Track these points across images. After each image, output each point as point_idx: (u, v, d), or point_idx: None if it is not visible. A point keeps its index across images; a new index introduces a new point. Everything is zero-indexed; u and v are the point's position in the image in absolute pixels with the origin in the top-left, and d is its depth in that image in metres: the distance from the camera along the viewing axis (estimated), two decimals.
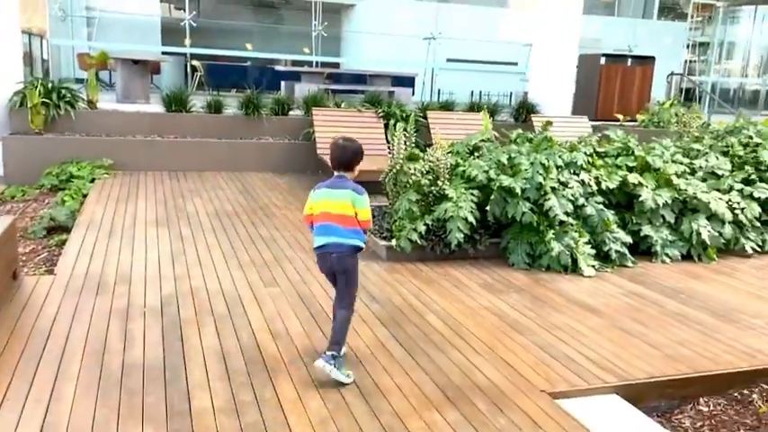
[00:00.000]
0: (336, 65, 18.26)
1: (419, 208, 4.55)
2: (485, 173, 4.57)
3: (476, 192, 4.51)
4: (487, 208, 4.41)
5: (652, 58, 10.79)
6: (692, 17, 17.18)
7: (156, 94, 10.00)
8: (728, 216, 4.81)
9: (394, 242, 4.42)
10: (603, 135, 5.52)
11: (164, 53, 14.74)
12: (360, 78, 13.02)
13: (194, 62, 14.83)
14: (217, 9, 20.39)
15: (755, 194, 4.99)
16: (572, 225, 4.41)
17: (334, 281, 2.88)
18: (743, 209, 4.89)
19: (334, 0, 18.10)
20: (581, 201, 4.53)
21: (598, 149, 5.14)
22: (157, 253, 4.40)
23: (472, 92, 15.46)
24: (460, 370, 2.84)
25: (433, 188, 4.62)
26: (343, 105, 8.66)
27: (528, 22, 15.46)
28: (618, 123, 9.91)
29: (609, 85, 10.57)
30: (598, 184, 4.71)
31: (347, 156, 2.92)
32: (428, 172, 4.66)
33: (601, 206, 4.58)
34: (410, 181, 4.67)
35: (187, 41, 14.64)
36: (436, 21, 14.80)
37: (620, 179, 4.79)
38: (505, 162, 4.65)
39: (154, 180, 7.04)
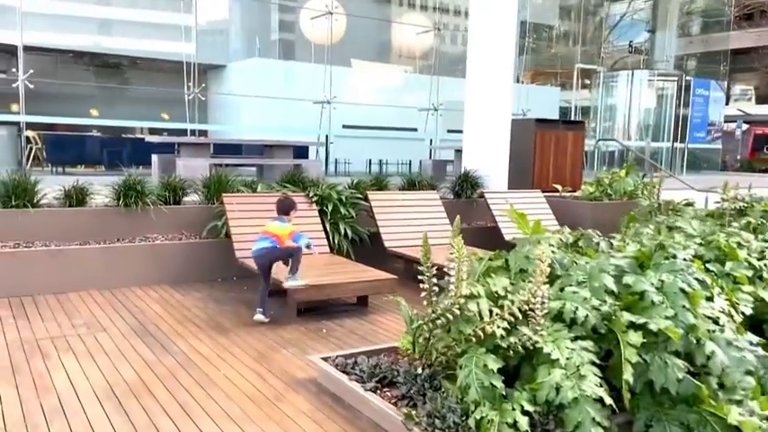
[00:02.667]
0: (204, 132, 15.99)
1: (499, 380, 2.70)
2: (596, 310, 2.85)
3: (589, 344, 2.77)
4: (627, 377, 2.66)
5: (582, 123, 10.07)
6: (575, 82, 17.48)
7: None
8: None
9: None
10: (671, 226, 4.10)
11: None
12: (255, 150, 10.98)
13: (29, 132, 11.90)
14: (43, 69, 17.37)
15: None
16: (743, 390, 2.80)
17: (268, 270, 4.65)
18: None
19: (200, 61, 15.99)
20: (736, 342, 2.95)
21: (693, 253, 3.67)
22: None
23: (369, 160, 14.02)
24: None
25: (513, 340, 2.81)
26: (259, 188, 6.61)
27: (426, 84, 14.52)
28: (557, 195, 8.87)
29: (544, 152, 9.59)
30: (735, 310, 3.20)
31: (285, 207, 4.75)
32: (499, 314, 2.84)
33: (758, 348, 3.04)
34: (477, 333, 2.81)
35: (20, 106, 11.71)
36: (328, 83, 13.27)
37: (752, 299, 3.33)
38: (614, 289, 2.98)
39: None
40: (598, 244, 3.81)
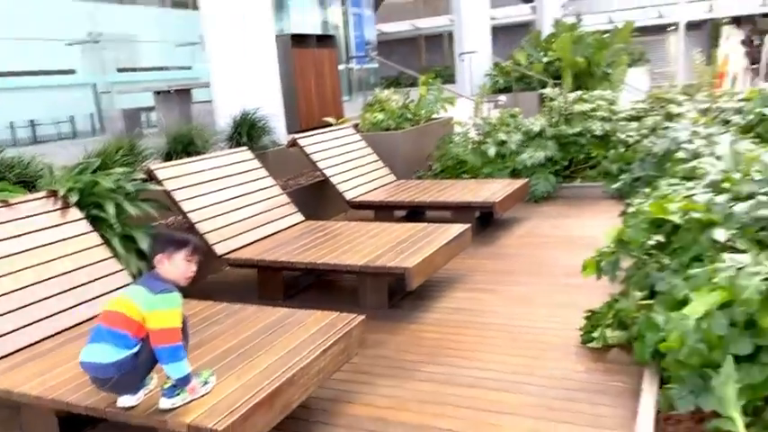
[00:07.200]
0: None
1: None
2: None
3: None
4: None
5: (333, 38, 8.22)
6: None
7: None
8: None
9: None
10: None
11: None
12: None
13: None
14: None
15: None
16: None
17: None
18: None
19: None
20: None
21: None
22: None
23: (12, 123, 9.50)
24: None
25: None
26: None
27: (79, 11, 10.35)
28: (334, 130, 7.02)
29: (305, 78, 7.49)
30: None
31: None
32: None
33: None
34: None
35: None
36: None
37: None
38: None
39: None
40: None
